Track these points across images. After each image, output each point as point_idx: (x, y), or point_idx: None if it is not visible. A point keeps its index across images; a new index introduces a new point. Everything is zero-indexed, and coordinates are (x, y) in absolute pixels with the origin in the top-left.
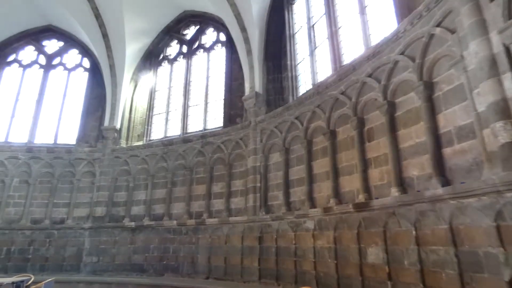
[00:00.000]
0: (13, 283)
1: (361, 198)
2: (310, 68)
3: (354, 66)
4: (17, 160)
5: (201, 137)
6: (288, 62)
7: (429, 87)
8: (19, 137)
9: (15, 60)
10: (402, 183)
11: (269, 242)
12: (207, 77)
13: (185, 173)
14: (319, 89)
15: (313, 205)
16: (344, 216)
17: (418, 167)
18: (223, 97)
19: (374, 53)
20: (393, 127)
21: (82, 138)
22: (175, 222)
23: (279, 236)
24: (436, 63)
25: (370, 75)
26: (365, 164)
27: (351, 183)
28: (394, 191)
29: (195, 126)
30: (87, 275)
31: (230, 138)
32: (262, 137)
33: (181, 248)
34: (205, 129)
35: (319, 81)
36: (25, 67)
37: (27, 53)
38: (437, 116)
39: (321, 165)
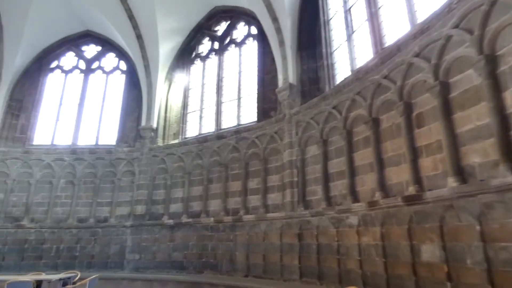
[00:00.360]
0: (60, 279)
1: (411, 190)
2: (348, 54)
3: (399, 47)
4: (62, 161)
5: (235, 132)
6: (323, 50)
7: (492, 61)
8: (63, 140)
9: (57, 67)
10: (461, 172)
11: (309, 239)
12: (239, 72)
13: (220, 169)
14: (358, 75)
15: (356, 199)
16: (392, 210)
17: (480, 153)
18: (256, 91)
19: (422, 30)
20: (447, 110)
21: (121, 138)
22: (212, 219)
23: (320, 232)
24: (500, 33)
25: (417, 55)
26: (415, 153)
27: (398, 175)
28: (452, 181)
29: (228, 122)
30: (130, 272)
31: (264, 132)
32: (297, 129)
33: (219, 245)
34: (238, 125)
35: (358, 67)
36: (66, 72)
37: (68, 59)
38: (503, 94)
39: (363, 157)
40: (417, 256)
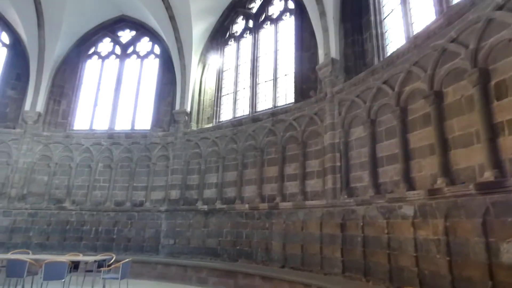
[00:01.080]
0: (95, 261)
1: (487, 176)
2: (403, 19)
3: (473, 1)
4: (100, 146)
5: (271, 115)
6: (372, 19)
7: None
8: (101, 125)
9: (95, 53)
10: None
11: (353, 230)
12: (275, 51)
13: (256, 154)
14: (416, 41)
15: (411, 186)
16: (460, 200)
17: None
18: (294, 71)
19: None
20: None
21: (156, 123)
22: (247, 205)
23: (366, 223)
24: None
25: (500, 8)
26: (493, 131)
27: (468, 158)
28: None
29: (264, 104)
30: (165, 257)
31: (303, 114)
32: (340, 109)
33: (254, 233)
34: (275, 107)
35: (415, 32)
36: (103, 58)
37: (105, 44)
38: None
39: (421, 137)
40: (495, 256)
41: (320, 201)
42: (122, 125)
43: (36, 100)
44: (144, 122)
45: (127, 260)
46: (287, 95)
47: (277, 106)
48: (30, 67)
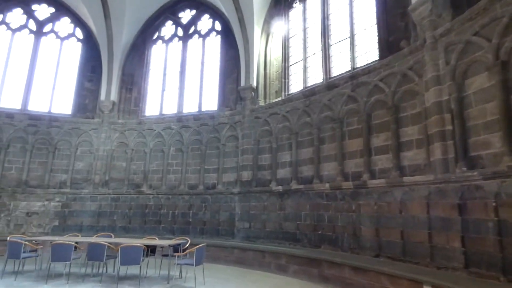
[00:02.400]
0: (169, 246)
1: None
2: None
3: None
4: (171, 130)
5: (350, 78)
6: None
7: None
8: (170, 109)
9: (158, 37)
10: None
11: (480, 212)
12: (350, 2)
13: (334, 126)
14: None
15: None
16: None
17: None
18: (376, 22)
19: None
20: None
21: (223, 102)
22: (327, 185)
23: (502, 204)
24: None
25: None
26: None
27: None
28: None
29: (340, 68)
30: (240, 241)
31: (392, 71)
32: (448, 57)
33: (338, 216)
34: (354, 68)
35: None
36: (167, 42)
37: (167, 28)
38: None
39: None
40: None
41: (425, 177)
42: (190, 107)
43: (109, 89)
44: (211, 102)
45: (201, 245)
46: (368, 53)
47: (357, 67)
48: (101, 58)
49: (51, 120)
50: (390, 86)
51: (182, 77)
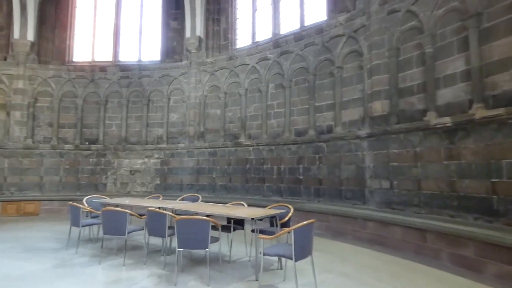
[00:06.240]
0: (253, 219)
1: None
2: None
3: None
4: (267, 61)
5: None
6: None
7: None
8: (264, 34)
9: None
10: None
11: None
12: None
13: None
14: None
15: None
16: None
17: None
18: None
19: None
20: None
21: (334, 5)
22: None
23: None
24: None
25: None
26: None
27: None
28: None
29: None
30: (377, 208)
31: None
32: None
33: None
34: None
35: None
36: None
37: None
38: None
39: None
40: None
41: None
42: (288, 26)
43: (194, 23)
44: (317, 12)
45: (305, 223)
46: None
47: None
48: None
49: (141, 69)
50: None
51: None
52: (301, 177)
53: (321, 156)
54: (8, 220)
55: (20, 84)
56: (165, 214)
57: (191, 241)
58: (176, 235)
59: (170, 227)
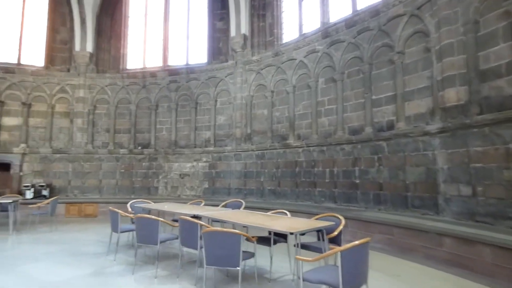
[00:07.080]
0: (291, 233)
1: None
2: None
3: None
4: (315, 54)
5: None
6: None
7: None
8: (311, 25)
9: None
10: None
11: None
12: None
13: None
14: None
15: None
16: None
17: None
18: None
19: None
20: None
21: None
22: None
23: None
24: None
25: None
26: None
27: None
28: None
29: None
30: (454, 220)
31: None
32: None
33: None
34: None
35: None
36: None
37: None
38: None
39: None
40: None
41: None
42: (339, 12)
43: (239, 21)
44: None
45: (356, 243)
46: None
47: None
48: None
49: (188, 72)
50: None
51: None
52: (357, 181)
53: (381, 157)
54: (70, 221)
55: (81, 93)
56: (197, 223)
57: (219, 257)
58: (204, 249)
59: None
